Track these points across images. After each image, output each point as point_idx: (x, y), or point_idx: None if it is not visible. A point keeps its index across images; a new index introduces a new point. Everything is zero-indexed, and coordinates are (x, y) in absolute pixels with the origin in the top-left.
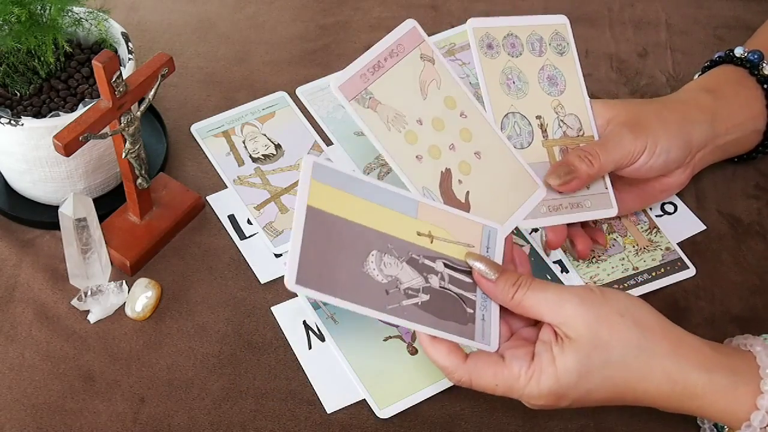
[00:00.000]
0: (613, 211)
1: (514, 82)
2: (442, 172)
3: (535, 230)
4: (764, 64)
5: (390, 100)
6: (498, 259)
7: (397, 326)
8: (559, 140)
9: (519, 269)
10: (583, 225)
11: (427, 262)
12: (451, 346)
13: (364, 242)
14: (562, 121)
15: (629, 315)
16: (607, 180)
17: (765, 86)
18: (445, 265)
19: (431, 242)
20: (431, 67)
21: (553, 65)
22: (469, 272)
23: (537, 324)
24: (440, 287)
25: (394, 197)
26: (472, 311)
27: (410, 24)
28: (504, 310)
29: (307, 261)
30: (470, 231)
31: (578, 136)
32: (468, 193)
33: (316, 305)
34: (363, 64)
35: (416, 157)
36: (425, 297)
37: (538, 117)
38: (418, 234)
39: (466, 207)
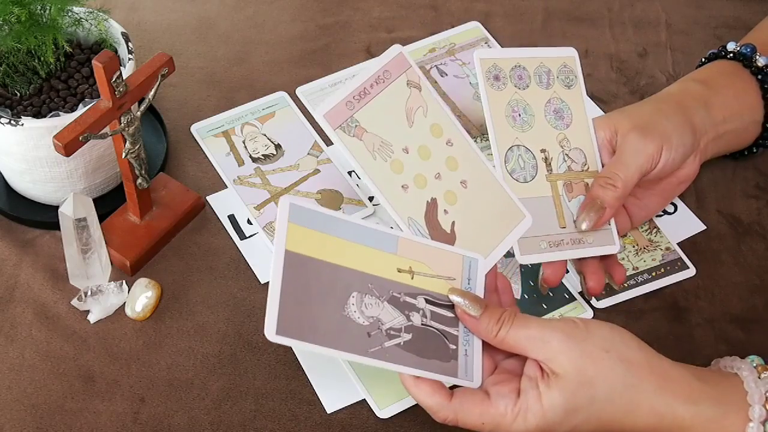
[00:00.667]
0: (615, 248)
1: (519, 115)
2: (427, 201)
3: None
4: (757, 57)
5: (376, 128)
6: (479, 289)
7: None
8: (564, 174)
9: (502, 297)
10: (604, 257)
11: (408, 299)
12: (435, 386)
13: (344, 284)
14: (567, 155)
15: (614, 351)
16: None
17: (759, 77)
18: (427, 301)
19: (412, 278)
20: (417, 94)
21: (560, 98)
22: (451, 306)
23: (519, 354)
24: (422, 324)
25: (374, 234)
26: (454, 347)
27: (396, 50)
28: (486, 343)
29: (286, 310)
30: (451, 263)
31: (583, 170)
32: (453, 223)
33: None
34: (349, 92)
35: (402, 186)
36: (407, 336)
37: (543, 151)
38: (399, 270)
39: (451, 237)
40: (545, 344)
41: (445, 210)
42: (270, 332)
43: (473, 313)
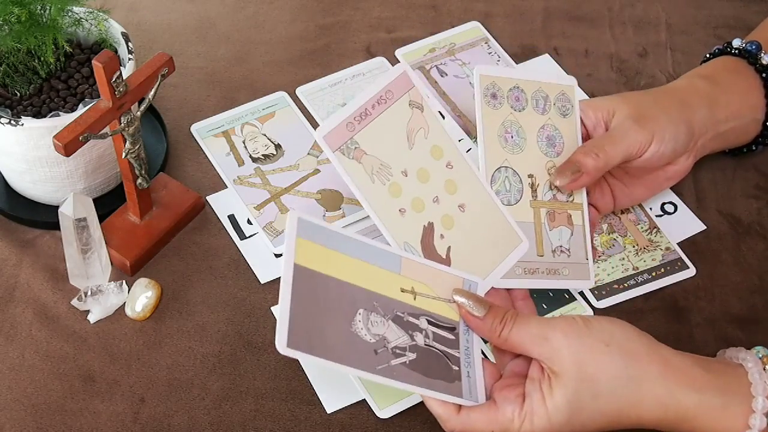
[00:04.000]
0: (589, 284)
1: (512, 137)
2: (424, 226)
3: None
4: (762, 54)
5: (376, 150)
6: None
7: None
8: (548, 203)
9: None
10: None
11: (411, 319)
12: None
13: (350, 301)
14: (553, 184)
15: (614, 343)
16: (589, 250)
17: (764, 75)
18: (429, 322)
19: (414, 299)
20: (419, 115)
21: (554, 125)
22: (451, 329)
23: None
24: (425, 345)
25: (378, 253)
26: (457, 368)
27: (400, 68)
28: (492, 349)
29: (297, 323)
30: (451, 285)
31: (568, 201)
32: (449, 248)
33: None
34: (350, 113)
35: (399, 210)
36: (412, 356)
37: (530, 176)
38: (402, 290)
39: (446, 263)
40: (545, 342)
41: (441, 235)
42: (281, 345)
43: (477, 314)
